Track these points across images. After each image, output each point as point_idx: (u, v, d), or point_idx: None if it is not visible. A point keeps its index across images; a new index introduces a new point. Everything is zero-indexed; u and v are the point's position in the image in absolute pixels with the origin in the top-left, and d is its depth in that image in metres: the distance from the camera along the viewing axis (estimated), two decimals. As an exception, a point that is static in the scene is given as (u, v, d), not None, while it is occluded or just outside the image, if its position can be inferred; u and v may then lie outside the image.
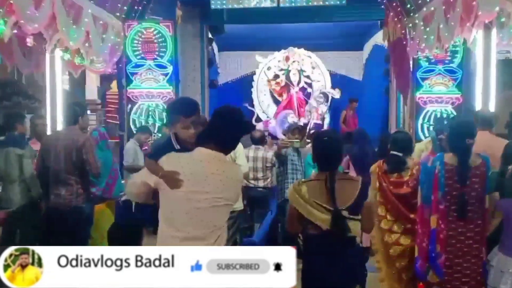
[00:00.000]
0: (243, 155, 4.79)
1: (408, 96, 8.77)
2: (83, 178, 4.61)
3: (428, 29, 6.96)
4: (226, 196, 2.40)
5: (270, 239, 5.10)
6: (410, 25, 7.86)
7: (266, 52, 12.84)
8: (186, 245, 2.26)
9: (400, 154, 3.82)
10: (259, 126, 11.62)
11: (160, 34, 8.65)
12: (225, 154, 2.49)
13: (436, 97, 8.70)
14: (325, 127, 12.08)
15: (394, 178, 3.83)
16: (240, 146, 4.64)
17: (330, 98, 12.46)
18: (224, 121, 2.45)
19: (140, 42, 8.64)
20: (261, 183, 5.92)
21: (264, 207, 5.84)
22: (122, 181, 5.97)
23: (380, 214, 3.83)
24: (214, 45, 11.46)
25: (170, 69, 8.69)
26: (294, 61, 12.59)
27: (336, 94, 12.44)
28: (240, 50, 13.02)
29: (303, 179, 3.05)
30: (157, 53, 8.67)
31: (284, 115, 12.13)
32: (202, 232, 2.34)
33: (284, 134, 6.33)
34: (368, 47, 12.55)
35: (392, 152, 3.88)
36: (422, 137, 8.64)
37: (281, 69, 12.73)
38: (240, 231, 5.03)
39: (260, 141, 5.99)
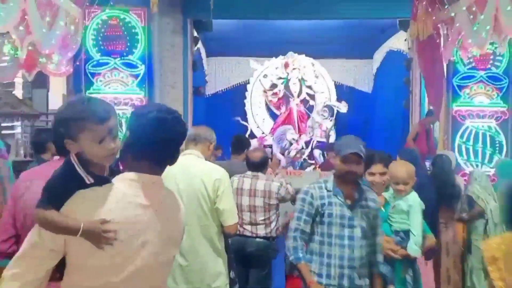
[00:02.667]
0: (229, 191, 2.87)
1: (442, 108, 6.97)
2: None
3: (482, 16, 5.18)
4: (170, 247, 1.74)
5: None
6: (451, 15, 6.08)
7: (262, 58, 11.08)
8: None
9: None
10: (253, 144, 9.74)
11: (130, 25, 6.86)
12: (161, 173, 1.76)
13: (478, 110, 6.93)
14: (330, 145, 10.24)
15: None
16: (222, 174, 2.83)
17: (335, 112, 10.66)
18: (152, 124, 1.66)
19: (103, 34, 6.81)
20: (261, 231, 3.86)
21: (263, 267, 3.86)
22: None
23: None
24: (201, 45, 9.64)
25: (142, 69, 6.89)
26: (294, 69, 10.88)
27: (343, 107, 10.75)
28: (232, 55, 11.28)
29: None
30: (125, 48, 6.84)
31: (282, 131, 10.35)
32: None
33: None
34: (380, 54, 10.87)
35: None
36: (461, 162, 6.86)
37: (279, 78, 11.01)
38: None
39: (259, 165, 3.93)
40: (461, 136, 6.95)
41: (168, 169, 2.64)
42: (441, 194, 4.09)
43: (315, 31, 10.02)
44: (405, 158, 4.15)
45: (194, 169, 2.75)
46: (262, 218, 3.83)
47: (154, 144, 1.67)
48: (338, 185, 2.70)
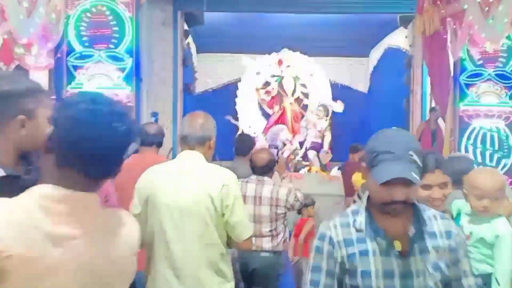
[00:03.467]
0: (240, 198, 2.28)
1: (448, 108, 6.58)
2: None
3: (501, 7, 4.79)
4: None
5: None
6: (463, 8, 5.69)
7: (255, 55, 10.63)
8: None
9: None
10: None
11: (116, 15, 6.34)
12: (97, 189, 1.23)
13: (486, 110, 6.55)
14: (326, 146, 9.83)
15: None
16: (230, 177, 2.28)
17: (330, 112, 10.25)
18: (85, 123, 1.17)
19: (87, 25, 6.30)
20: (266, 244, 3.35)
21: (271, 286, 3.35)
22: None
23: None
24: (191, 40, 9.15)
25: (129, 62, 6.38)
26: (288, 66, 10.45)
27: (338, 107, 10.32)
28: (223, 51, 10.77)
29: None
30: (111, 40, 6.33)
31: (275, 131, 9.90)
32: None
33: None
34: (377, 52, 10.50)
35: None
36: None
37: (273, 75, 10.56)
38: None
39: (265, 169, 3.41)
40: (468, 138, 6.56)
41: (152, 178, 2.15)
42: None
43: (310, 27, 9.62)
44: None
45: (192, 175, 2.20)
46: (269, 229, 3.34)
47: (82, 147, 1.17)
48: (376, 219, 1.61)
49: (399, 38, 9.05)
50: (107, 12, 6.31)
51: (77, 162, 1.18)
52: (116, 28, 6.33)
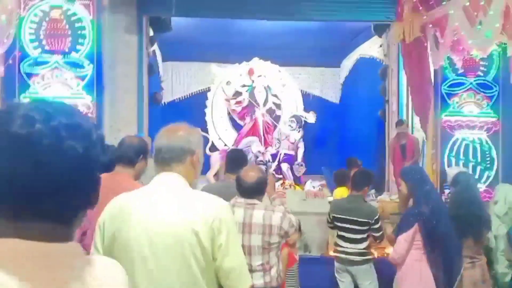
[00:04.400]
0: (236, 236, 1.77)
1: (429, 118, 6.32)
2: None
3: (491, 12, 4.53)
4: None
5: None
6: (448, 13, 5.44)
7: (225, 64, 10.20)
8: None
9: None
10: (215, 157, 8.81)
11: (76, 18, 5.81)
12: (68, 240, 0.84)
13: (468, 120, 6.35)
14: (299, 158, 9.46)
15: None
16: (222, 208, 1.76)
17: (303, 123, 9.90)
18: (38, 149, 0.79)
19: (43, 28, 5.73)
20: (258, 280, 2.76)
21: None
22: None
23: None
24: (157, 47, 8.64)
25: (89, 69, 5.84)
26: (260, 76, 10.06)
27: (311, 118, 9.98)
28: (191, 60, 10.30)
29: None
30: (69, 45, 5.79)
31: (246, 144, 9.44)
32: None
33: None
34: (349, 62, 10.26)
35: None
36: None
37: (244, 85, 10.14)
38: None
39: (256, 190, 2.88)
40: (451, 150, 6.33)
41: (119, 212, 1.67)
42: (466, 222, 3.32)
43: (281, 36, 9.31)
44: (410, 178, 3.37)
45: (170, 205, 1.70)
46: (260, 262, 2.80)
47: (13, 180, 0.80)
48: None
49: (372, 48, 8.81)
50: (66, 14, 5.78)
51: (11, 200, 0.80)
52: (75, 32, 5.80)
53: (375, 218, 3.98)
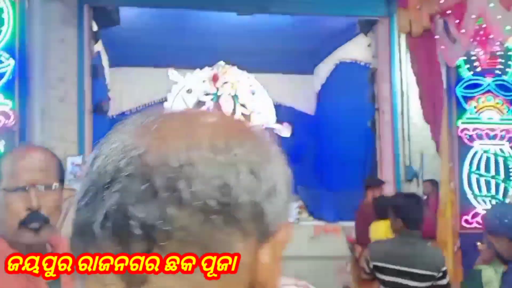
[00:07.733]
0: None
1: (442, 126, 5.18)
2: None
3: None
4: None
5: None
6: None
7: (184, 70, 8.86)
8: None
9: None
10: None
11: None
12: None
13: (487, 128, 5.26)
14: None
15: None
16: None
17: (276, 138, 8.62)
18: None
19: None
20: None
21: None
22: None
23: None
24: (102, 49, 7.18)
25: (9, 65, 4.33)
26: (225, 83, 8.77)
27: (285, 131, 8.77)
28: (144, 65, 8.87)
29: None
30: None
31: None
32: None
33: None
34: (326, 67, 9.13)
35: None
36: (471, 197, 5.09)
37: (207, 94, 8.83)
38: None
39: None
40: (471, 164, 5.20)
41: None
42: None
43: (248, 37, 8.09)
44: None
45: None
46: None
47: None
48: None
49: (357, 49, 7.71)
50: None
51: None
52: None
53: (443, 269, 2.66)
